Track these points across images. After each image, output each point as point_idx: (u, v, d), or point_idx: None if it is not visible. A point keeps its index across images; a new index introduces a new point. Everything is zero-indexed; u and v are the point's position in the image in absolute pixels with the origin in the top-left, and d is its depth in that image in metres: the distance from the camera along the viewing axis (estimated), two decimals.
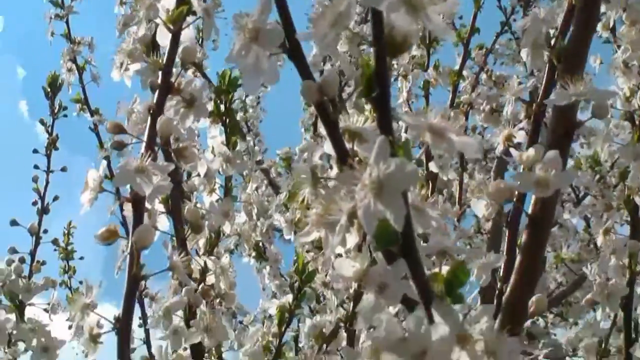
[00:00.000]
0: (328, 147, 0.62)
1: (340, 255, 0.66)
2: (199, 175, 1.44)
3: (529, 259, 0.63)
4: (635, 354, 1.20)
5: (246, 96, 3.56)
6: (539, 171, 0.60)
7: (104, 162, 0.93)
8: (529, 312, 0.63)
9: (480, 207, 0.74)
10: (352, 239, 0.65)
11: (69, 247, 2.52)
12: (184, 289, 1.16)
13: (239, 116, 3.58)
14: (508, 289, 0.64)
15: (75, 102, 2.58)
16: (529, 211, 0.64)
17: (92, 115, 2.53)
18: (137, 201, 0.87)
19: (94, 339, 0.79)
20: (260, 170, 3.23)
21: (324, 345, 1.86)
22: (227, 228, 1.53)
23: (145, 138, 0.95)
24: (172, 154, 0.97)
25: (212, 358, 1.30)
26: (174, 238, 1.32)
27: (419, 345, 0.55)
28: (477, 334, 0.55)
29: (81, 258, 2.54)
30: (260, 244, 3.08)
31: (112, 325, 0.79)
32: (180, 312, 1.17)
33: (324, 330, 1.96)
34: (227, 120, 1.55)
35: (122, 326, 0.78)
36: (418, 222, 0.59)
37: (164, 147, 0.99)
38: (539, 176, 0.60)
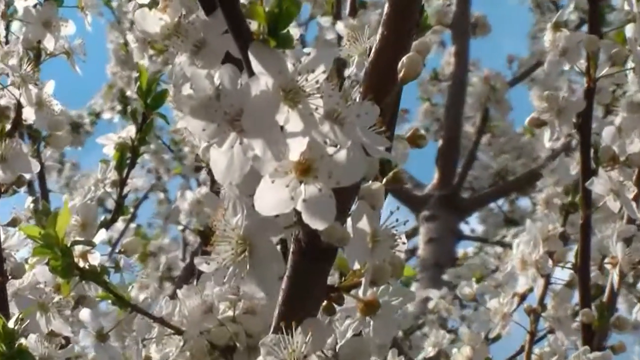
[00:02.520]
0: None
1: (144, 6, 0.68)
2: None
3: (399, 7, 0.66)
4: (593, 188, 1.28)
5: None
6: None
7: None
8: (399, 77, 0.67)
9: None
10: None
11: None
12: None
13: None
14: (373, 48, 0.67)
15: None
16: None
17: None
18: None
19: None
20: None
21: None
22: (49, 44, 1.51)
23: None
24: None
25: None
26: None
27: (234, 103, 0.58)
28: (312, 88, 0.58)
29: None
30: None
31: None
32: None
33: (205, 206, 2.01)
34: None
35: None
36: None
37: None
38: None
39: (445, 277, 3.44)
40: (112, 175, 1.50)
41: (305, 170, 0.60)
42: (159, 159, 3.36)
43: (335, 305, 0.70)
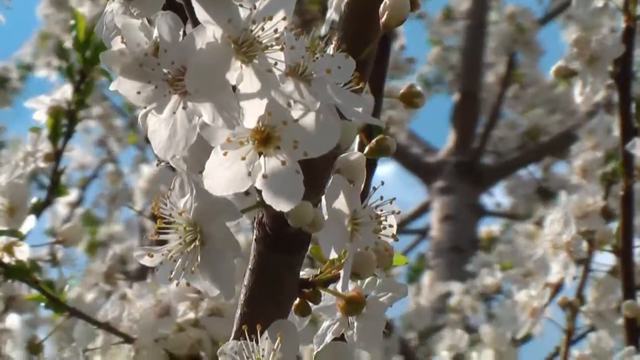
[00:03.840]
0: None
1: None
2: None
3: None
4: (635, 152, 1.28)
5: None
6: None
7: None
8: (381, 22, 0.67)
9: None
10: None
11: None
12: None
13: None
14: None
15: None
16: None
17: None
18: None
19: None
20: None
21: None
22: None
23: None
24: None
25: None
26: None
27: (175, 60, 0.59)
28: (270, 38, 0.58)
29: None
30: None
31: None
32: None
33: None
34: None
35: None
36: None
37: None
38: None
39: (469, 267, 3.43)
40: (45, 146, 1.49)
41: (265, 139, 0.60)
42: (107, 126, 3.32)
43: (311, 304, 0.71)
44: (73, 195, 3.33)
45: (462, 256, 3.64)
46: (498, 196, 4.58)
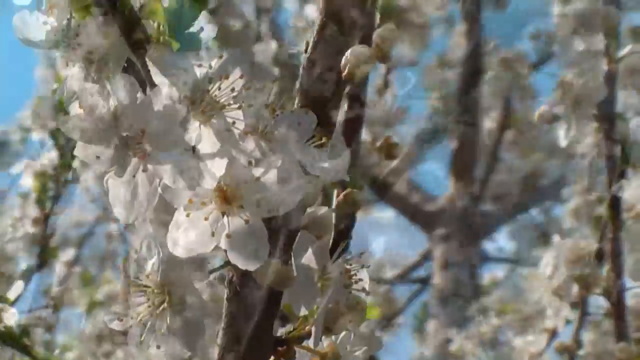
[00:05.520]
0: None
1: None
2: None
3: None
4: (622, 194, 1.28)
5: None
6: None
7: None
8: (343, 76, 0.67)
9: None
10: None
11: None
12: None
13: None
14: (310, 40, 0.67)
15: None
16: None
17: None
18: None
19: None
20: None
21: None
22: None
23: None
24: None
25: None
26: None
27: (133, 123, 0.59)
28: (227, 97, 0.58)
29: None
30: None
31: None
32: None
33: None
34: None
35: None
36: None
37: None
38: None
39: (469, 312, 3.41)
40: (33, 211, 1.49)
41: (228, 198, 0.60)
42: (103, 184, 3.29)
43: None
44: (69, 254, 3.32)
45: (465, 304, 3.61)
46: (500, 241, 4.56)
